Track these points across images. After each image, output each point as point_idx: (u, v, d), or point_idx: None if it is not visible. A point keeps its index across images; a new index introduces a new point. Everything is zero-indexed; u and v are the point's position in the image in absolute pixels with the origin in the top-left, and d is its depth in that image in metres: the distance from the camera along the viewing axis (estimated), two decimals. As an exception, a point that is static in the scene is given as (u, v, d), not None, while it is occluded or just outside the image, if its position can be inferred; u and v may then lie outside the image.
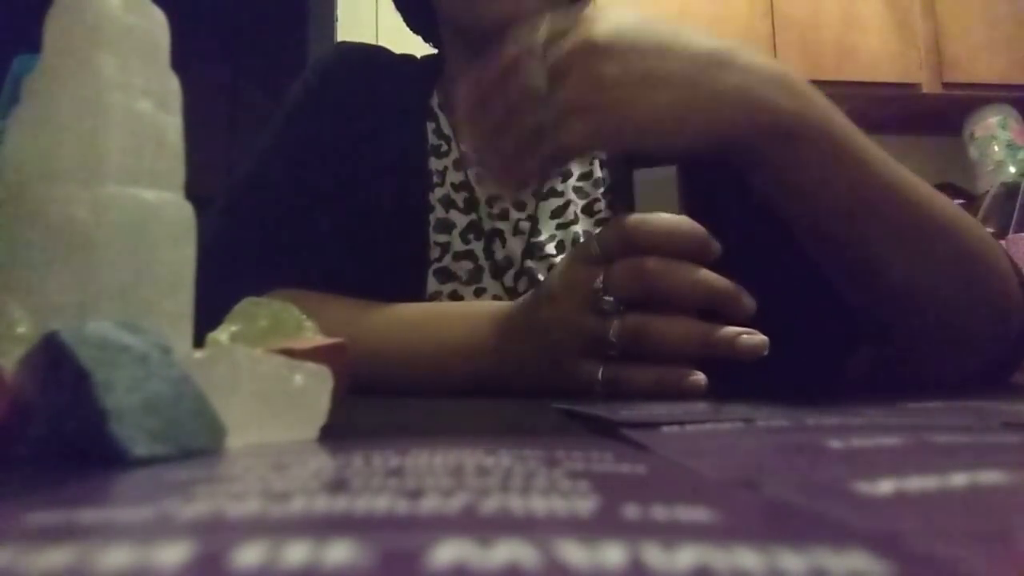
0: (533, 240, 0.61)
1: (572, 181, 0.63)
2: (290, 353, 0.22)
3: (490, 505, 0.10)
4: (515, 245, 0.61)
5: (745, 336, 0.40)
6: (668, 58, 0.41)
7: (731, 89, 0.40)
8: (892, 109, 2.29)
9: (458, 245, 0.61)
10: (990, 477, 0.13)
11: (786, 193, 0.43)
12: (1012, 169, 2.13)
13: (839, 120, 0.42)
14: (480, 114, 0.44)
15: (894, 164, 0.44)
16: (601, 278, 0.41)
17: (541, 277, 0.60)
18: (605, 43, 0.40)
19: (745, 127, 0.40)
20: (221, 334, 0.26)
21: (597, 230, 0.44)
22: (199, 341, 0.26)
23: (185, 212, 0.26)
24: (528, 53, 0.42)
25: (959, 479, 0.13)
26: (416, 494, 0.11)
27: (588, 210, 0.62)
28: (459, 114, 0.45)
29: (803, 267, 0.50)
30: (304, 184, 0.63)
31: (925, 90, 2.18)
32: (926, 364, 0.50)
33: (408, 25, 0.71)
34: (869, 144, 0.43)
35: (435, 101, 0.67)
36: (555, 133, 0.41)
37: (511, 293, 0.60)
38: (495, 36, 0.60)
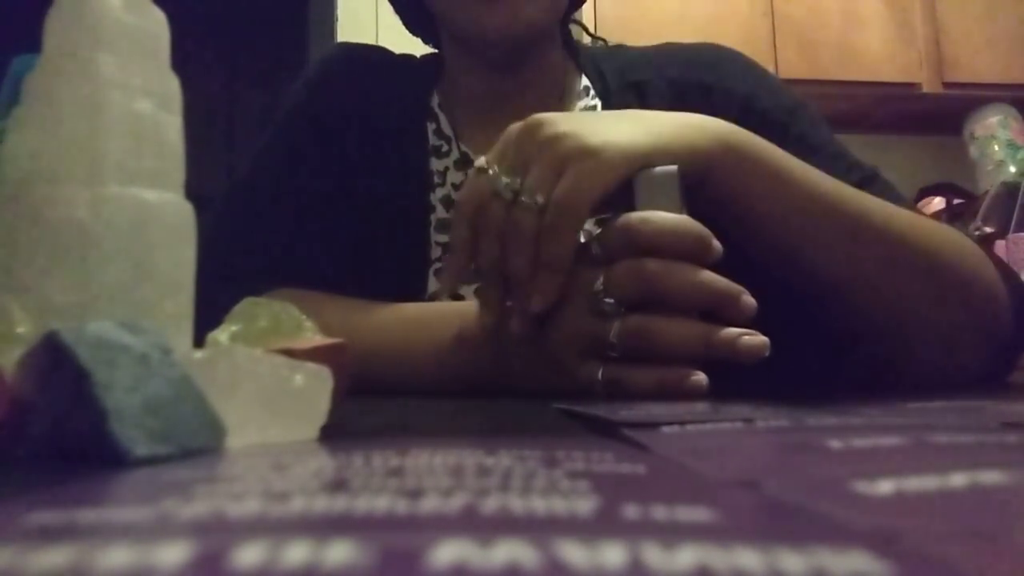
0: (533, 240, 0.61)
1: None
2: (290, 353, 0.22)
3: (490, 505, 0.10)
4: (516, 245, 0.61)
5: (746, 337, 0.40)
6: (610, 115, 0.46)
7: (679, 118, 0.45)
8: (892, 109, 2.29)
9: None
10: (990, 477, 0.13)
11: (737, 214, 0.45)
12: (1012, 169, 2.13)
13: (768, 145, 0.46)
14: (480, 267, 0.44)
15: (836, 183, 0.47)
16: (601, 279, 0.41)
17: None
18: (542, 117, 0.43)
19: (707, 147, 0.43)
20: (221, 334, 0.26)
21: (597, 230, 0.44)
22: (199, 341, 0.26)
23: (185, 212, 0.26)
24: (480, 169, 0.43)
25: (959, 479, 0.13)
26: (416, 494, 0.11)
27: (588, 210, 0.62)
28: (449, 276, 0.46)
29: None
30: (304, 184, 0.63)
31: (925, 90, 2.18)
32: (912, 367, 0.50)
33: (406, 26, 0.71)
34: (806, 166, 0.46)
35: (435, 101, 0.67)
36: (550, 214, 0.41)
37: (511, 293, 0.59)
38: (494, 42, 0.60)
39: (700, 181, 0.43)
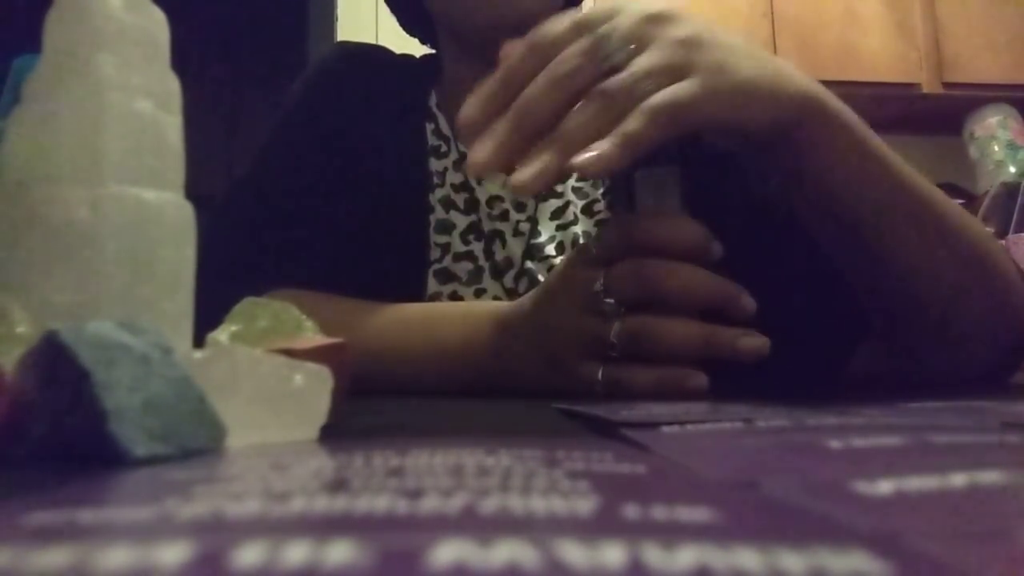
0: (533, 241, 0.61)
1: (571, 182, 0.63)
2: (290, 353, 0.22)
3: (490, 505, 0.10)
4: (515, 246, 0.61)
5: (746, 338, 0.40)
6: (730, 33, 0.40)
7: (782, 68, 0.41)
8: (892, 109, 2.29)
9: (458, 246, 0.61)
10: (990, 477, 0.13)
11: (817, 178, 0.43)
12: (1012, 169, 2.13)
13: (847, 108, 0.43)
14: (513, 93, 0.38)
15: (902, 160, 0.45)
16: (601, 280, 0.41)
17: (541, 278, 0.60)
18: (672, 12, 0.39)
19: (799, 104, 0.40)
20: (221, 334, 0.26)
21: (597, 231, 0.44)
22: (199, 341, 0.26)
23: (185, 212, 0.26)
24: (583, 25, 0.38)
25: (959, 479, 0.13)
26: (416, 494, 0.11)
27: (588, 211, 0.62)
28: (469, 110, 0.38)
29: (803, 267, 0.50)
30: (304, 185, 0.63)
31: (925, 90, 2.19)
32: (926, 362, 0.50)
33: (402, 26, 0.71)
34: (879, 139, 0.44)
35: (433, 101, 0.66)
36: (650, 98, 0.36)
37: (511, 294, 0.60)
38: (488, 36, 0.60)
39: (784, 133, 0.41)
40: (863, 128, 0.43)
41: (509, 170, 0.38)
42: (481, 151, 0.37)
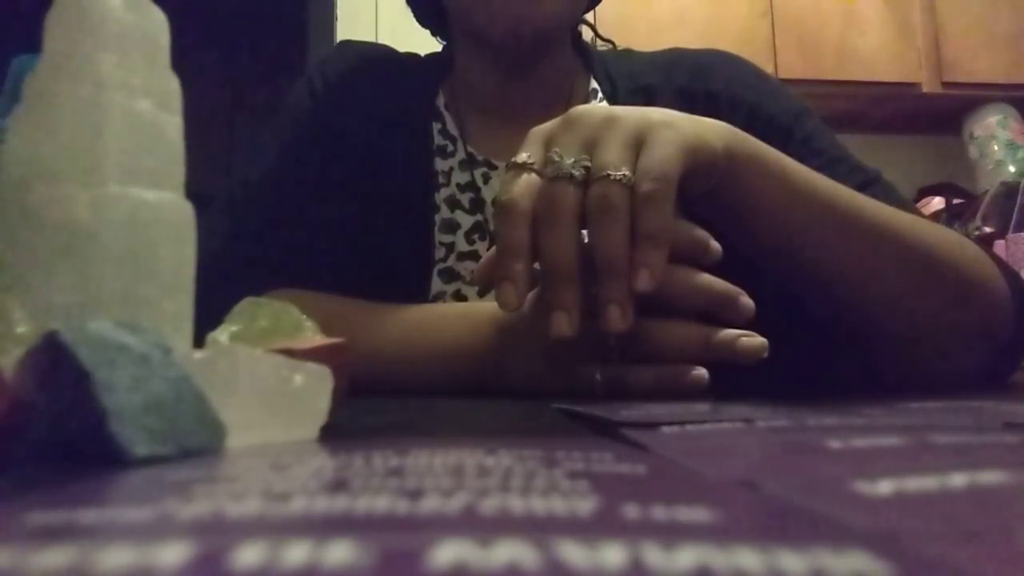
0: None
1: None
2: (290, 353, 0.22)
3: (490, 505, 0.10)
4: (519, 246, 0.61)
5: (745, 339, 0.40)
6: (643, 108, 0.42)
7: (702, 119, 0.43)
8: (892, 109, 2.29)
9: (463, 245, 0.61)
10: (990, 477, 0.13)
11: (748, 214, 0.45)
12: (1012, 168, 2.13)
13: (763, 144, 0.45)
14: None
15: (838, 188, 0.47)
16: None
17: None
18: (584, 108, 0.41)
19: (727, 149, 0.42)
20: (221, 334, 0.26)
21: None
22: (199, 341, 0.26)
23: (185, 212, 0.25)
24: (521, 167, 0.40)
25: (959, 479, 0.13)
26: (416, 494, 0.11)
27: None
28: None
29: None
30: (307, 184, 0.63)
31: (925, 90, 2.19)
32: (913, 367, 0.50)
33: (419, 20, 0.71)
34: (800, 165, 0.46)
35: (441, 101, 0.66)
36: (643, 183, 0.38)
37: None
38: (508, 43, 0.59)
39: (709, 179, 0.43)
40: (781, 161, 0.45)
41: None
42: (563, 320, 0.38)
